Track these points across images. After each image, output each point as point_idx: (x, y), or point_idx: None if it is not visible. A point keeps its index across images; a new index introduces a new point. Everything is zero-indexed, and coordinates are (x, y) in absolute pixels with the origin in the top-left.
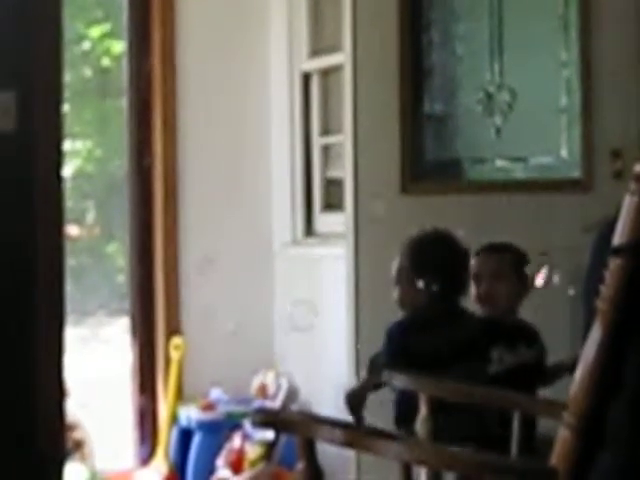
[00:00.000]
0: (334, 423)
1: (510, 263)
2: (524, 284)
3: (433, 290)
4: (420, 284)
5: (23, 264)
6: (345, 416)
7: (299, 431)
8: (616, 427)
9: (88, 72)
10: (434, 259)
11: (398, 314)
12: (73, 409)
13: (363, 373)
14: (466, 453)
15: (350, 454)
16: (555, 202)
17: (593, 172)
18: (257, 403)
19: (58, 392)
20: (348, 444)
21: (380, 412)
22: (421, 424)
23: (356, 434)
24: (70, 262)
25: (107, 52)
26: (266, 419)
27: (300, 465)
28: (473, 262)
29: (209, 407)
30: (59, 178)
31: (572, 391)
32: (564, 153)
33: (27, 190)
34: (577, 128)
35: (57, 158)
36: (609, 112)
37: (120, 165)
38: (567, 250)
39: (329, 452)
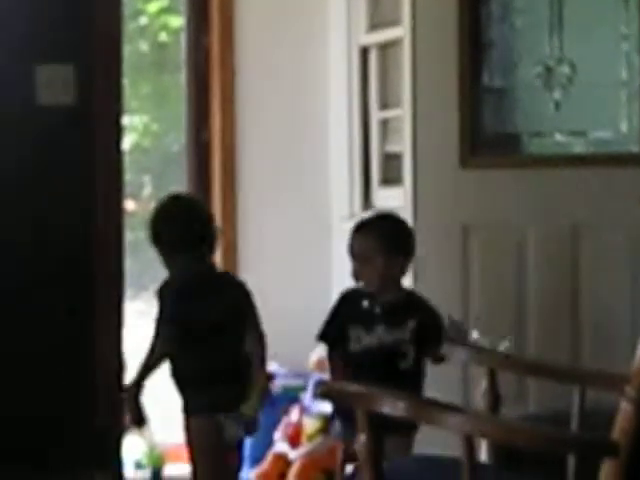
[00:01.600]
0: (396, 395)
1: (375, 242)
2: (397, 261)
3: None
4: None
5: (83, 238)
6: None
7: (361, 403)
8: None
9: (145, 47)
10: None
11: (456, 284)
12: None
13: None
14: (528, 426)
15: None
16: (614, 176)
17: None
18: (314, 377)
19: (117, 365)
20: (410, 416)
21: None
22: (482, 397)
23: (418, 405)
24: (127, 236)
25: (164, 27)
26: (329, 391)
27: (361, 437)
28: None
29: None
30: (119, 151)
31: (634, 364)
32: (623, 127)
33: (87, 164)
34: (637, 102)
35: (117, 131)
36: None
37: (176, 140)
38: (625, 224)
39: None
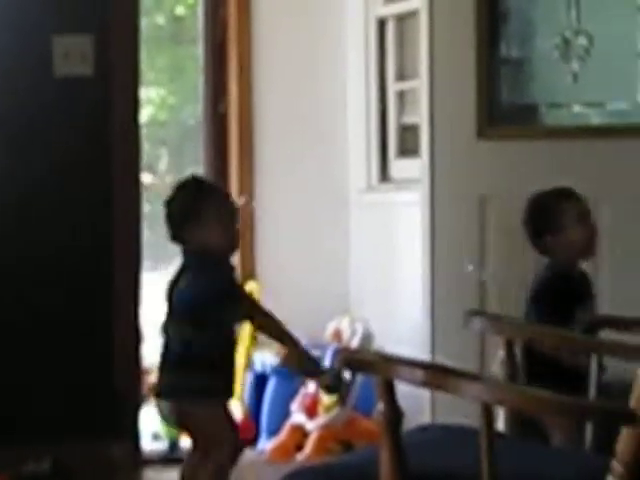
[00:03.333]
0: (414, 363)
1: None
2: None
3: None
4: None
5: (101, 210)
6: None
7: (380, 372)
8: None
9: (161, 20)
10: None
11: (474, 260)
12: (148, 353)
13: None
14: (546, 394)
15: (425, 395)
16: (631, 148)
17: None
18: (332, 348)
19: (135, 337)
20: (429, 384)
21: None
22: (500, 366)
23: (437, 374)
24: (144, 209)
25: (180, 0)
26: (349, 360)
27: (380, 406)
28: (568, 208)
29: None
30: (136, 123)
31: None
32: None
33: (104, 134)
34: None
35: (134, 103)
36: None
37: (193, 112)
38: None
39: (402, 393)
